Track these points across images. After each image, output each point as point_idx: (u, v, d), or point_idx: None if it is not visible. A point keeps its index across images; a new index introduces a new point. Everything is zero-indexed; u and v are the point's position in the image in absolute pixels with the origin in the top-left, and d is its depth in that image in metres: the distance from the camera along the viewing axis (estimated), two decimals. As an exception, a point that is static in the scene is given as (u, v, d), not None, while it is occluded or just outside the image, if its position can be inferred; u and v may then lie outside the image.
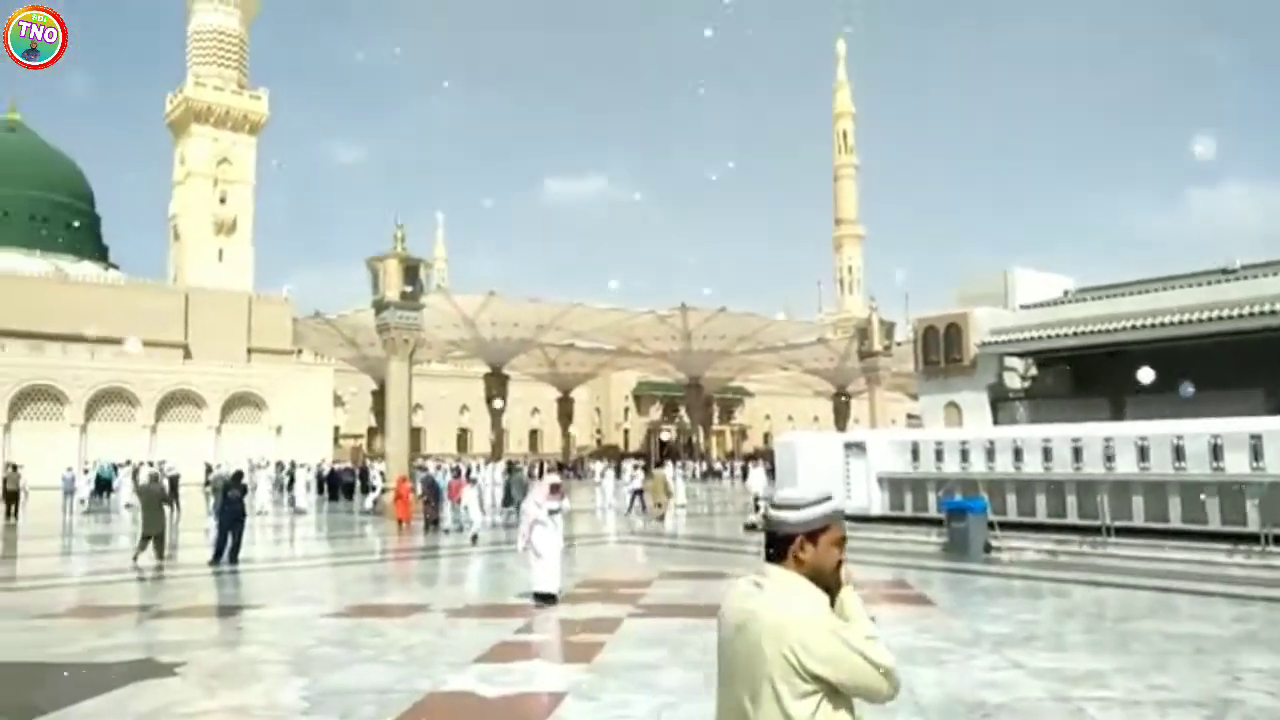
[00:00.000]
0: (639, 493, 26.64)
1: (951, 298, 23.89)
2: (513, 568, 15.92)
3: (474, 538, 18.25)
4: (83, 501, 29.19)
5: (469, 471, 29.78)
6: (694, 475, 54.87)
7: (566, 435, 73.67)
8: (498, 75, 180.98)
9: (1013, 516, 15.38)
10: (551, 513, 10.77)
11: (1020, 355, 21.87)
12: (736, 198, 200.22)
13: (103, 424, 46.78)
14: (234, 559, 14.96)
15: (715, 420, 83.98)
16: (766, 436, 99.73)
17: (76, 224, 63.61)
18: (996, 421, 20.23)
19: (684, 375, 68.25)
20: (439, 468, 37.59)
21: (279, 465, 38.33)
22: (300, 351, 62.56)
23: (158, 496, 16.14)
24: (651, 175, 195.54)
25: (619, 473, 33.75)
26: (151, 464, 36.25)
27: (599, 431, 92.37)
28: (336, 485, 35.26)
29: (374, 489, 28.91)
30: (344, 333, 61.52)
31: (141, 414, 47.85)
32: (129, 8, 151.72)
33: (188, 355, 54.91)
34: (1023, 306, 22.21)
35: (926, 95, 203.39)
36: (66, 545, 21.17)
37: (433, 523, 20.91)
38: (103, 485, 35.83)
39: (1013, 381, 22.29)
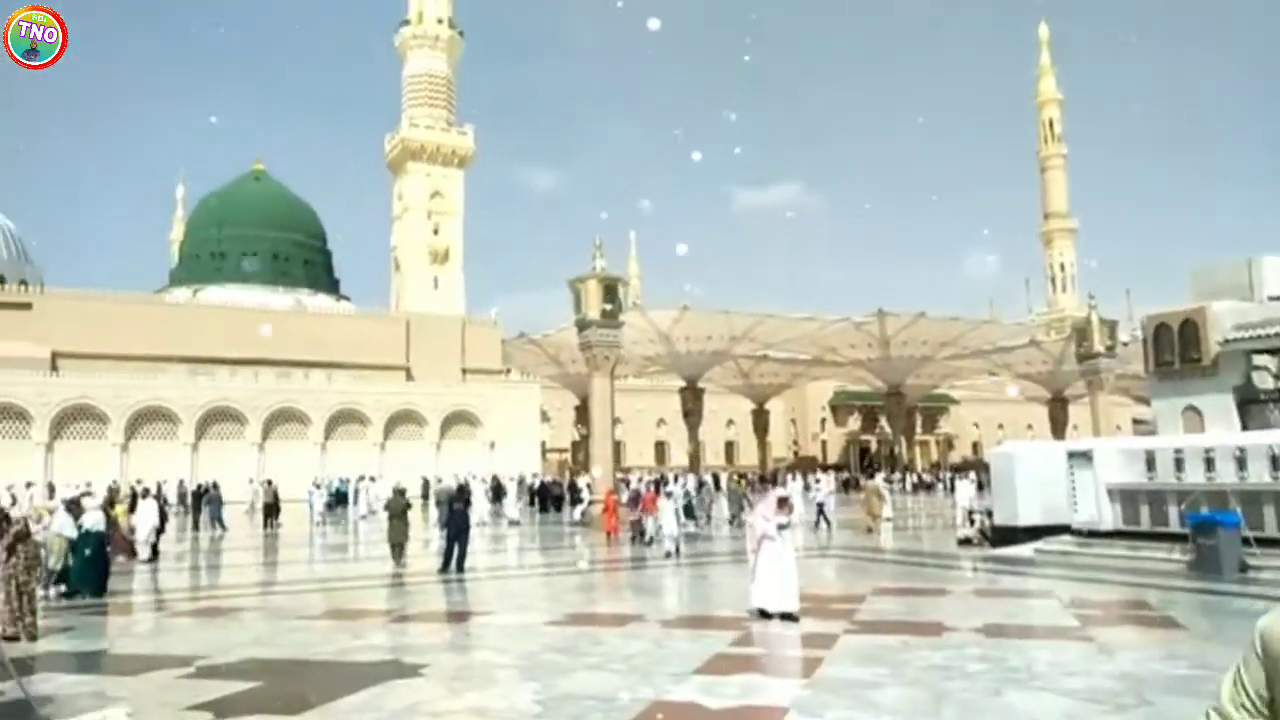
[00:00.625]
0: (822, 506, 25.89)
1: (1180, 292, 21.82)
2: (717, 579, 16.08)
3: (670, 551, 18.30)
4: (320, 514, 31.98)
5: (661, 484, 30.27)
6: (902, 487, 53.01)
7: (763, 447, 73.28)
8: (681, 89, 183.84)
9: (1272, 532, 13.83)
10: (780, 528, 10.41)
11: (1271, 352, 19.65)
12: (932, 196, 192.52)
13: (339, 442, 51.31)
14: (460, 568, 15.97)
15: (919, 429, 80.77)
16: (975, 446, 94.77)
17: (313, 261, 70.48)
18: (1245, 427, 18.25)
19: (883, 384, 66.20)
20: (640, 480, 38.51)
21: (494, 479, 40.49)
22: (509, 370, 65.98)
23: (402, 508, 17.53)
24: (842, 179, 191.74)
25: (807, 485, 32.98)
26: (373, 479, 39.41)
27: (795, 443, 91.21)
28: (546, 497, 36.80)
29: (582, 501, 30.01)
30: (548, 351, 64.26)
31: (372, 432, 52.10)
32: (353, 63, 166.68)
33: (409, 377, 59.30)
34: (1271, 298, 19.94)
35: (1133, 75, 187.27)
36: (313, 554, 23.36)
37: (640, 534, 21.41)
38: (339, 499, 39.35)
39: (1264, 382, 20.01)
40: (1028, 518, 17.74)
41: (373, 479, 39.91)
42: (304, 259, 69.81)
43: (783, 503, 10.81)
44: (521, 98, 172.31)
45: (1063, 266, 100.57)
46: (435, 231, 64.55)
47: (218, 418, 48.73)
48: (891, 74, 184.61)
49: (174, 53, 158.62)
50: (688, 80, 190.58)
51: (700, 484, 38.56)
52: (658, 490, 23.74)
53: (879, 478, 32.10)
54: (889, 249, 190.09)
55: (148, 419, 47.07)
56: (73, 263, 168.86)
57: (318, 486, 36.08)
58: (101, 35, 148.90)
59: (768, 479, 32.31)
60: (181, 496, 29.87)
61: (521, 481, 38.61)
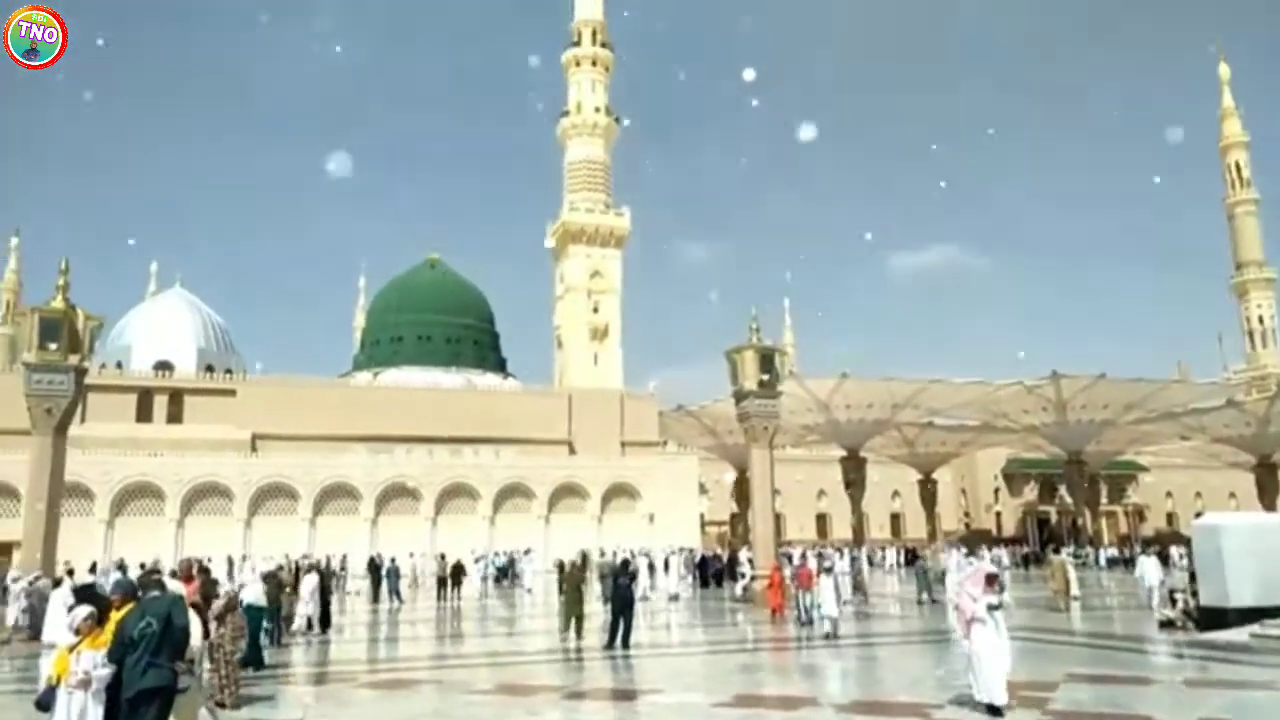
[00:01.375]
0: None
1: None
2: (891, 662, 15.40)
3: (829, 633, 17.52)
4: (485, 587, 32.73)
5: (822, 559, 29.25)
6: (1088, 561, 49.20)
7: (931, 519, 70.03)
8: (834, 156, 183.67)
9: None
10: (991, 608, 9.59)
11: None
12: (1104, 251, 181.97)
13: (506, 515, 52.97)
14: (625, 643, 16.01)
15: (1104, 499, 75.04)
16: (1170, 517, 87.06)
17: (482, 342, 74.10)
18: None
19: (1061, 450, 62.20)
20: (802, 554, 37.55)
21: (650, 553, 40.49)
22: (666, 443, 66.45)
23: (577, 581, 17.87)
24: (1003, 238, 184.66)
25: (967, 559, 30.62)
26: (528, 551, 40.17)
27: (966, 515, 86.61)
28: (707, 572, 36.44)
29: (743, 575, 29.55)
30: (705, 423, 64.33)
31: (536, 506, 53.52)
32: (518, 154, 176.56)
33: (572, 451, 60.77)
34: None
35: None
36: (484, 627, 23.99)
37: (803, 612, 20.82)
38: (503, 572, 40.39)
39: None
40: (1239, 598, 16.09)
41: (528, 552, 40.69)
42: (474, 340, 73.46)
43: (992, 580, 9.80)
44: (676, 174, 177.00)
45: (1261, 319, 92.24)
46: (595, 309, 66.65)
47: (395, 493, 51.39)
48: (1050, 127, 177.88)
49: (362, 153, 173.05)
50: (840, 147, 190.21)
51: (856, 558, 37.27)
52: (820, 566, 22.80)
53: (1065, 552, 29.87)
54: (1058, 309, 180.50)
55: (333, 495, 50.21)
56: (270, 350, 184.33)
57: (478, 560, 37.19)
58: (296, 147, 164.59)
59: (823, 552, 29.77)
60: (374, 569, 31.39)
61: (682, 555, 38.44)
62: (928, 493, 70.40)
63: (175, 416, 54.09)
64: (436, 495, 51.71)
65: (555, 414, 62.23)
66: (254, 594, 15.00)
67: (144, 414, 53.45)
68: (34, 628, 18.25)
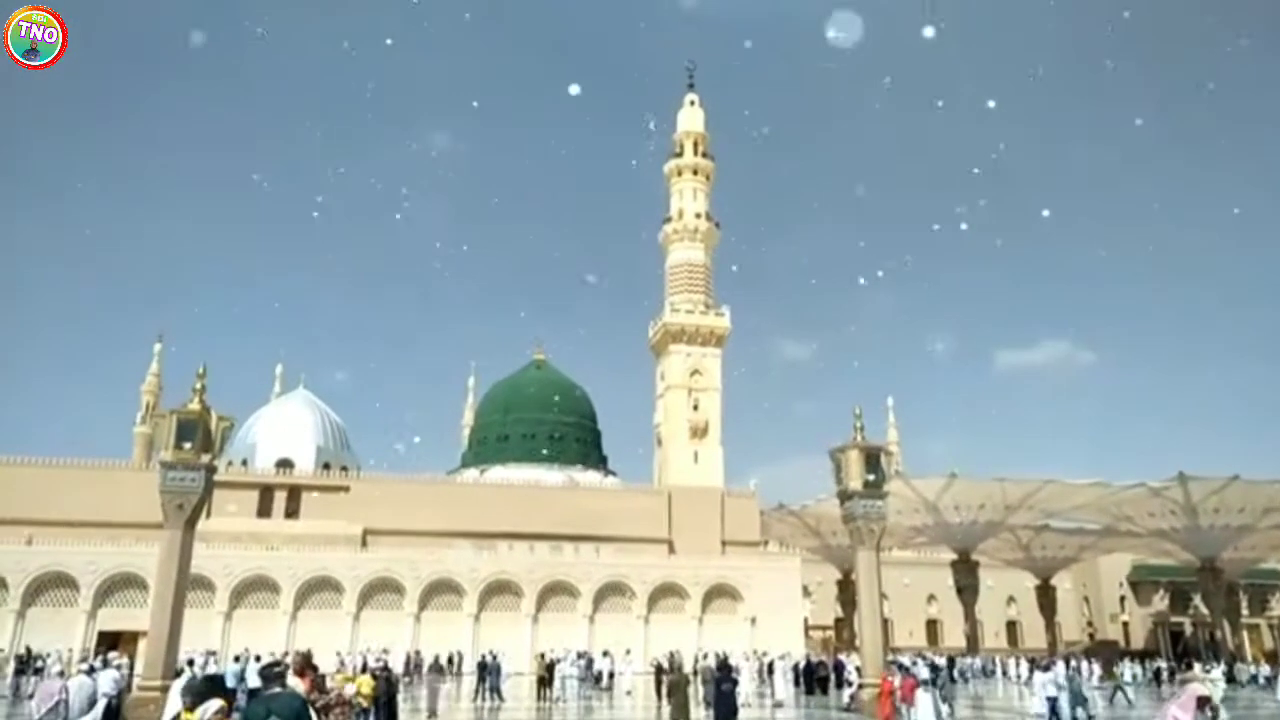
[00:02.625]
0: (1053, 701, 21.87)
1: None
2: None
3: None
4: (566, 685, 32.22)
5: (935, 669, 27.91)
6: (1238, 679, 45.25)
7: (1051, 628, 66.11)
8: (933, 251, 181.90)
9: None
10: None
11: None
12: (1229, 343, 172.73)
13: (605, 614, 52.59)
14: (731, 750, 15.71)
15: (1244, 610, 69.43)
16: (1323, 631, 79.82)
17: (584, 439, 75.23)
18: None
19: (1193, 557, 58.30)
20: (913, 662, 35.99)
21: (758, 657, 39.53)
22: (767, 542, 65.27)
23: (684, 683, 17.71)
24: (1116, 335, 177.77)
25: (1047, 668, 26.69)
26: (628, 652, 39.69)
27: (1090, 624, 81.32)
28: (812, 678, 35.29)
29: (850, 683, 28.51)
30: (807, 523, 63.13)
31: (636, 605, 53.00)
32: (620, 259, 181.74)
33: (671, 550, 60.29)
34: None
35: None
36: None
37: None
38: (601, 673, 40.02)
39: None
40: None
41: (628, 652, 40.43)
42: (576, 438, 74.63)
43: (1203, 703, 8.70)
44: (775, 273, 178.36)
45: None
46: (695, 407, 67.05)
47: (497, 590, 51.79)
48: (1157, 216, 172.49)
49: (470, 255, 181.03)
50: (940, 242, 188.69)
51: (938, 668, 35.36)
52: (921, 678, 21.02)
53: (1198, 668, 27.81)
54: (1180, 407, 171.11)
55: (438, 590, 50.94)
56: (382, 448, 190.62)
57: (579, 657, 37.03)
58: (409, 252, 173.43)
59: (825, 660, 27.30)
60: (481, 666, 31.55)
61: (786, 660, 37.37)
62: (1047, 599, 66.77)
63: (293, 512, 56.36)
64: (537, 592, 51.86)
65: (655, 512, 62.11)
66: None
67: (265, 509, 55.91)
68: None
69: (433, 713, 22.69)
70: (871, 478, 27.16)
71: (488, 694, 29.23)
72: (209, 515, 46.94)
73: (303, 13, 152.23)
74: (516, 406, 74.26)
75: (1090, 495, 52.91)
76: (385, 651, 33.13)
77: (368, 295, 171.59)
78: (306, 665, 11.72)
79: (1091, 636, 78.06)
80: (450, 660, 28.14)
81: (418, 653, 42.34)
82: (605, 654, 38.65)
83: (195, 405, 24.81)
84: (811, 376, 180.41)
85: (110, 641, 43.19)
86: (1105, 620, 79.46)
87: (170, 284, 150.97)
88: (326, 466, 62.96)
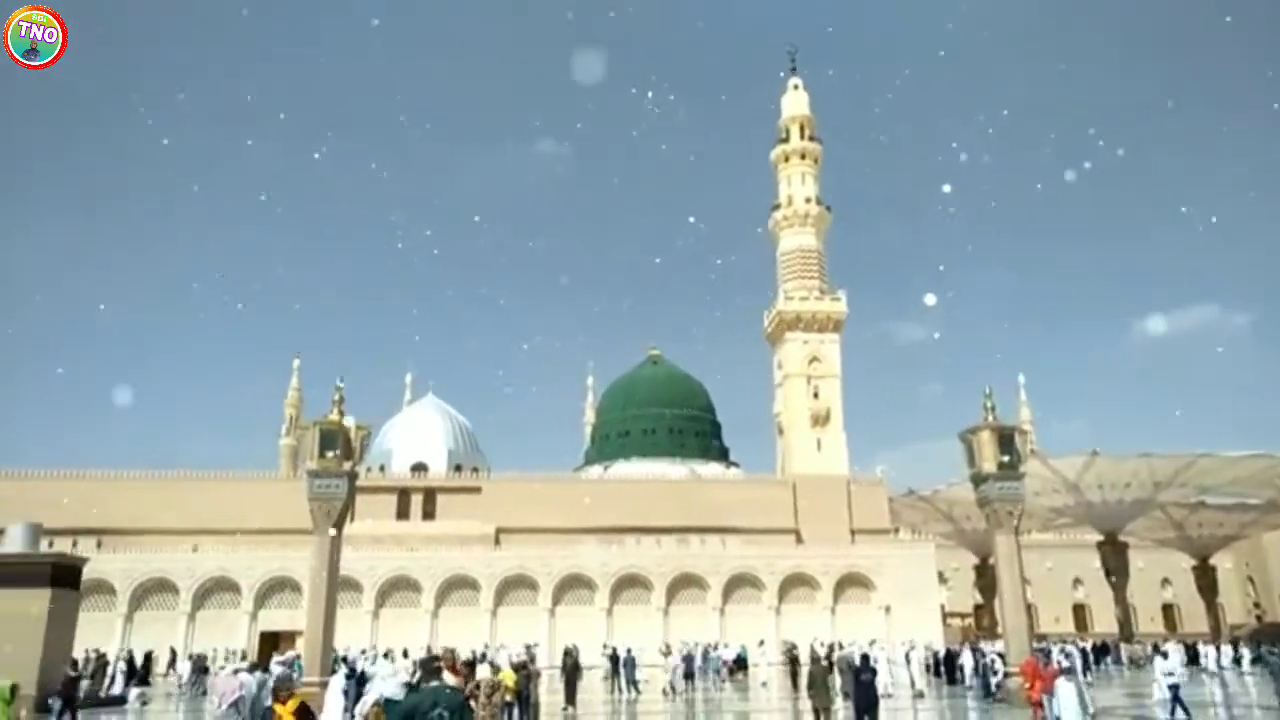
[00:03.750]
0: (1176, 689, 19.98)
1: None
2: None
3: None
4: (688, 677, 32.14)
5: (1096, 652, 26.62)
6: None
7: (1212, 610, 62.07)
8: (1061, 219, 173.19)
9: None
10: None
11: None
12: None
13: (736, 606, 52.50)
14: (874, 741, 15.45)
15: None
16: None
17: (704, 432, 75.40)
18: None
19: (1374, 530, 53.66)
20: (1062, 649, 34.54)
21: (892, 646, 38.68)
22: (897, 530, 63.77)
23: (823, 674, 17.58)
24: (1273, 294, 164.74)
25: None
26: (761, 643, 39.37)
27: (1257, 605, 75.93)
28: (953, 667, 34.26)
29: (994, 672, 27.57)
30: (939, 508, 61.31)
31: (766, 596, 52.72)
32: (731, 249, 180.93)
33: (799, 540, 59.66)
34: None
35: None
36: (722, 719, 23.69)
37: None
38: (739, 664, 40.00)
39: None
40: None
41: (761, 643, 40.30)
42: (696, 431, 74.85)
43: None
44: (891, 254, 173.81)
45: None
46: (815, 395, 66.11)
47: (628, 584, 52.45)
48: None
49: (582, 255, 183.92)
50: (1067, 210, 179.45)
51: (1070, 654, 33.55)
52: (1060, 666, 19.37)
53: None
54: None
55: (570, 586, 52.00)
56: (508, 449, 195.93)
57: (678, 649, 37.06)
58: (522, 257, 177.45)
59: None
60: (613, 659, 32.10)
61: (923, 649, 36.42)
62: (1206, 580, 62.75)
63: (429, 513, 58.64)
64: (667, 585, 52.23)
65: (780, 502, 61.62)
66: (392, 688, 14.85)
67: (403, 512, 58.40)
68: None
69: (570, 705, 23.20)
70: (1006, 459, 26.22)
71: (624, 686, 29.65)
72: (353, 519, 49.42)
73: (423, 30, 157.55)
74: (635, 403, 75.05)
75: (1251, 468, 49.43)
76: (535, 645, 34.01)
77: (487, 301, 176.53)
78: (456, 662, 12.22)
79: (1259, 619, 72.90)
80: (567, 654, 28.61)
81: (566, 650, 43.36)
82: (760, 644, 38.56)
83: (335, 416, 26.15)
84: (935, 358, 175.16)
85: (271, 641, 46.04)
86: (1275, 600, 74.06)
87: (305, 303, 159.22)
88: (458, 469, 65.15)
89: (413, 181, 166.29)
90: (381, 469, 63.39)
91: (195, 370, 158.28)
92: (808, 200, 71.34)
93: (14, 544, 25.98)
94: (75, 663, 27.19)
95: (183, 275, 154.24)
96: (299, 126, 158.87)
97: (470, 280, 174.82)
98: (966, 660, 31.92)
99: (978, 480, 26.57)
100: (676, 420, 74.12)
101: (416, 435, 68.64)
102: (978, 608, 65.32)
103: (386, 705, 13.86)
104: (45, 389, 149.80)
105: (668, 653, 32.49)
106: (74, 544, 40.58)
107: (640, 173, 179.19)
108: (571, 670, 24.39)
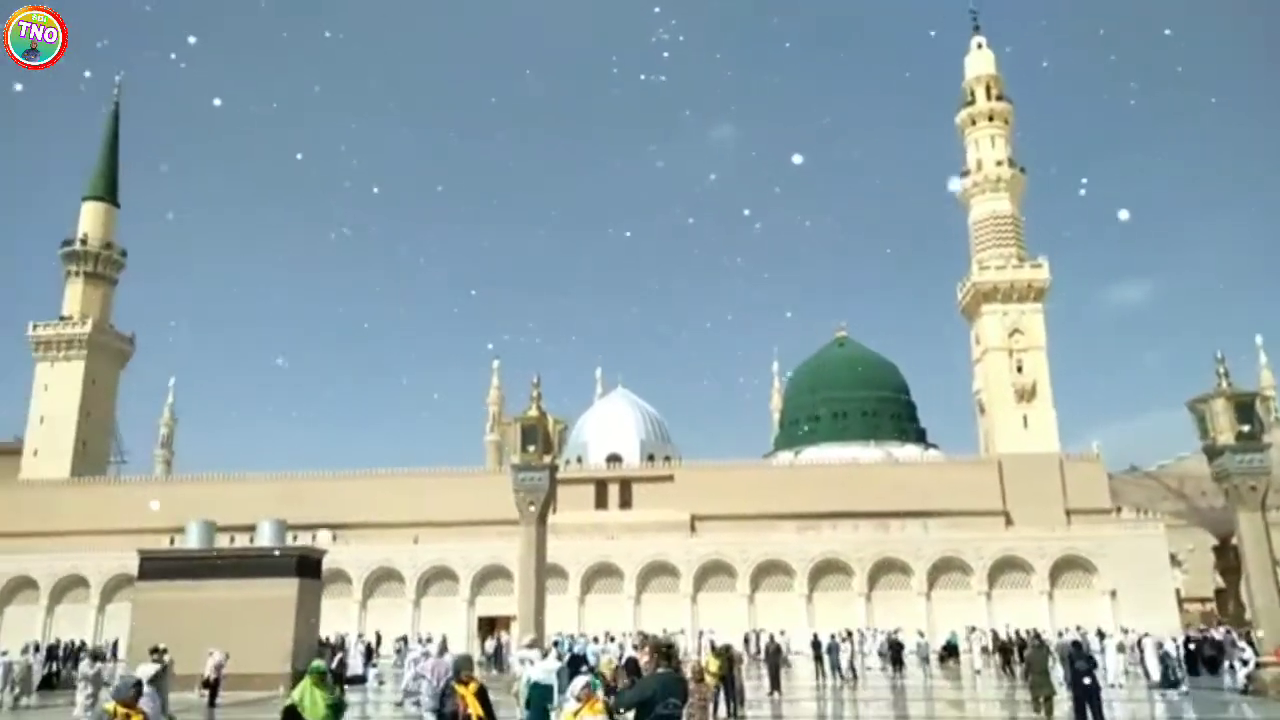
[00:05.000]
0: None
1: None
2: None
3: None
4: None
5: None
6: None
7: None
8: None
9: None
10: None
11: None
12: None
13: (942, 591, 50.58)
14: (1103, 734, 14.51)
15: None
16: None
17: (898, 414, 73.02)
18: None
19: None
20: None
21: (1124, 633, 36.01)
22: (1119, 509, 59.13)
23: (1042, 660, 16.77)
24: None
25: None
26: (973, 630, 37.56)
27: None
28: (1197, 656, 31.46)
29: (1243, 663, 25.08)
30: (1167, 484, 56.47)
31: (974, 581, 50.44)
32: (914, 223, 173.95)
33: (1009, 522, 56.59)
34: None
35: None
36: (930, 707, 22.90)
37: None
38: (950, 651, 38.62)
39: None
40: None
41: (973, 630, 38.81)
42: (890, 413, 72.61)
43: None
44: (1095, 216, 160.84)
45: None
46: (1018, 369, 62.34)
47: (826, 570, 51.73)
48: None
49: (759, 241, 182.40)
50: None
51: None
52: None
53: None
54: None
55: (768, 572, 51.94)
56: (697, 437, 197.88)
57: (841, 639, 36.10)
58: (697, 244, 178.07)
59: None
60: (814, 645, 31.84)
61: (1155, 637, 33.63)
62: None
63: (626, 502, 60.22)
64: (867, 571, 51.08)
65: (985, 483, 58.67)
66: (543, 672, 14.09)
67: (601, 501, 60.30)
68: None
69: (775, 690, 23.19)
70: (1245, 428, 23.82)
71: (829, 672, 29.29)
72: (555, 510, 51.51)
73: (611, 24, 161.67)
74: (823, 386, 73.67)
75: None
76: (763, 631, 34.15)
77: (669, 292, 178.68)
78: (663, 648, 12.45)
79: None
80: (771, 639, 28.74)
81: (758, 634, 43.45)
82: (972, 630, 37.30)
83: (534, 412, 27.43)
84: (1152, 323, 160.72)
85: (488, 626, 48.95)
86: None
87: (500, 302, 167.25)
88: (650, 458, 66.46)
89: (595, 171, 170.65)
90: (579, 461, 65.66)
91: (407, 369, 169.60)
92: (999, 164, 67.32)
93: (264, 538, 28.95)
94: (323, 644, 29.99)
95: (400, 274, 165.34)
96: (477, 113, 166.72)
97: (653, 270, 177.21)
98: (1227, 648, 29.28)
99: (1213, 453, 24.28)
100: (869, 402, 72.13)
101: (610, 427, 70.60)
102: (1219, 592, 59.51)
103: (532, 689, 14.22)
104: (270, 390, 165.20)
105: (844, 639, 31.77)
106: (313, 537, 44.60)
107: (815, 150, 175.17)
108: (774, 655, 24.39)
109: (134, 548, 32.14)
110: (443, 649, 18.62)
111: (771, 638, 32.05)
